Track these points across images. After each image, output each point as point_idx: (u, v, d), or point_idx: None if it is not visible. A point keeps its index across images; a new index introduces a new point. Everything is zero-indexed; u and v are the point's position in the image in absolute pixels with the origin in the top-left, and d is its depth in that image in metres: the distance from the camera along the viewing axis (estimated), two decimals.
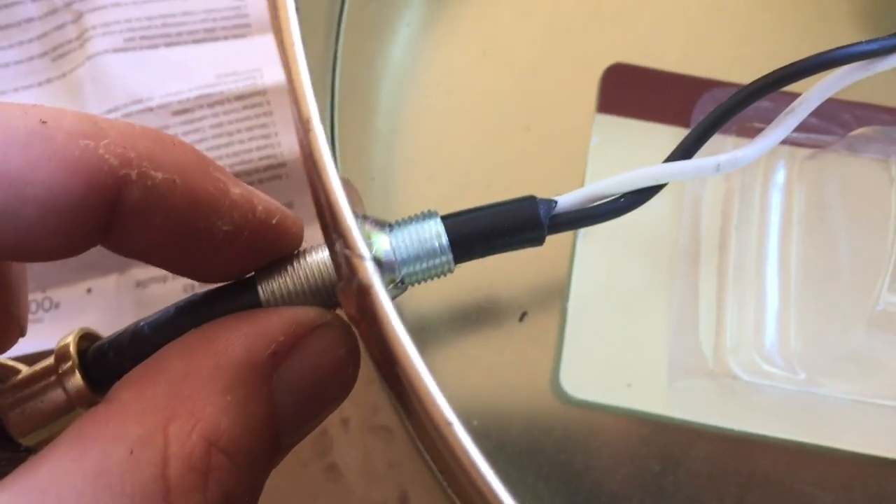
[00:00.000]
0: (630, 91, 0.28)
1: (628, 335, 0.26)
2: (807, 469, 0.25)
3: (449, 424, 0.12)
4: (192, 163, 0.17)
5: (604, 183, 0.20)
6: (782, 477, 0.25)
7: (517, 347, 0.26)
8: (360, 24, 0.29)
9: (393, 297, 0.20)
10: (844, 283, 0.23)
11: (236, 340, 0.16)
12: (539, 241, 0.20)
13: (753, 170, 0.26)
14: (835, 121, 0.28)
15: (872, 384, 0.24)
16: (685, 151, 0.20)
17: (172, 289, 0.27)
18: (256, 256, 0.18)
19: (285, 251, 0.18)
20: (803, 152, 0.26)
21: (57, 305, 0.27)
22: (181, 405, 0.15)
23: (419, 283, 0.20)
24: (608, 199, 0.20)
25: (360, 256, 0.12)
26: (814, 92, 0.21)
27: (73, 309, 0.27)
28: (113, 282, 0.27)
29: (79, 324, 0.26)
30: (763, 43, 0.29)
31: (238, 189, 0.17)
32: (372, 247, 0.19)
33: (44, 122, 0.16)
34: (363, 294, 0.13)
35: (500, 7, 0.29)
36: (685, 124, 0.27)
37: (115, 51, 0.27)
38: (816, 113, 0.29)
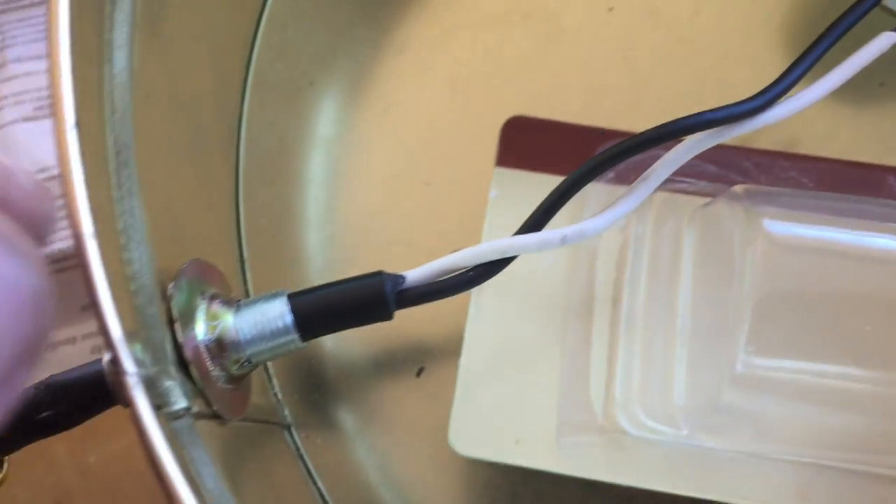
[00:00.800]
0: (529, 143, 0.28)
1: (518, 391, 0.26)
2: None
3: None
4: None
5: (452, 257, 0.20)
6: None
7: (414, 403, 0.27)
8: (265, 83, 0.30)
9: (244, 374, 0.20)
10: (725, 338, 0.23)
11: None
12: (387, 317, 0.20)
13: (645, 220, 0.26)
14: (734, 168, 0.28)
15: (750, 439, 0.24)
16: (535, 223, 0.21)
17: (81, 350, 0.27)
18: None
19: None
20: (698, 201, 0.26)
21: None
22: None
23: (269, 360, 0.20)
24: (458, 273, 0.20)
25: (123, 372, 0.13)
26: (664, 161, 0.21)
27: None
28: None
29: None
30: (665, 90, 0.29)
31: None
32: (216, 329, 0.19)
33: None
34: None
35: (403, 63, 0.29)
36: None
37: (26, 119, 0.28)
38: (716, 161, 0.29)
